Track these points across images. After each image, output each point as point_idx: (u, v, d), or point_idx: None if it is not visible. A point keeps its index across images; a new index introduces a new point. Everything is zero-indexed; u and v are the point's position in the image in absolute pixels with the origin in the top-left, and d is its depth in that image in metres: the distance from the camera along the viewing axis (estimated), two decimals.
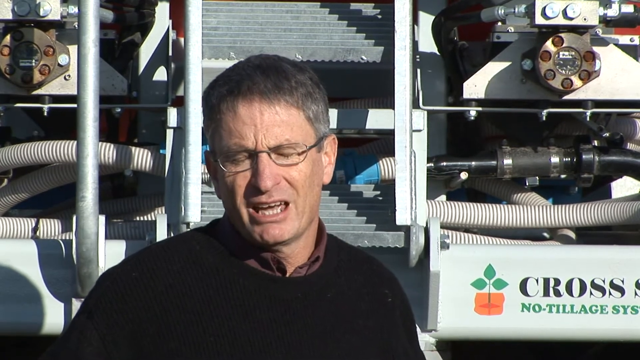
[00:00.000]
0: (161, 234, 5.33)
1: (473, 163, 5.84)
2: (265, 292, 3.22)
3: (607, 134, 5.75)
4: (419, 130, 5.44)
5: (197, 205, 5.26)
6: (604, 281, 5.42)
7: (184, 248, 3.32)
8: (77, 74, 5.03)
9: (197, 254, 3.29)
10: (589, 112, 5.49)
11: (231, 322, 3.23)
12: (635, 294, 5.41)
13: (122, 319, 3.23)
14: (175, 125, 5.31)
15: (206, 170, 6.05)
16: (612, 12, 5.36)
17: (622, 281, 5.41)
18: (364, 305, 3.31)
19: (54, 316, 5.45)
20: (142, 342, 3.21)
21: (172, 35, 5.77)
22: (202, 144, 5.38)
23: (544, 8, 5.29)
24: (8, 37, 5.34)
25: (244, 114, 3.06)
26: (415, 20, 5.51)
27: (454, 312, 5.31)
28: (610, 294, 5.41)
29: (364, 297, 3.31)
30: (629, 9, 5.43)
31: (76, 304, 5.33)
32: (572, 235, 5.97)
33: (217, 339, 3.24)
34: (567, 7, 5.29)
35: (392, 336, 3.33)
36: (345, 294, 3.29)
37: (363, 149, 5.94)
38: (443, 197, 5.94)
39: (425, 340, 5.21)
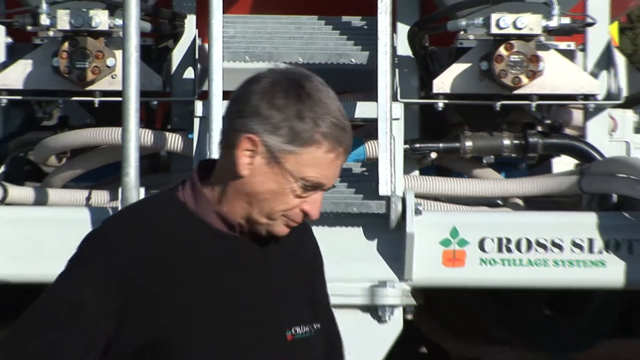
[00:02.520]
0: None
1: (441, 145, 5.86)
2: (233, 251, 2.99)
3: (549, 121, 5.82)
4: (397, 119, 5.44)
5: None
6: (546, 240, 5.43)
7: (162, 212, 3.03)
8: (122, 74, 5.07)
9: (174, 218, 3.01)
10: (534, 104, 5.55)
11: (213, 277, 2.98)
12: (572, 250, 5.43)
13: (111, 271, 2.93)
14: (200, 114, 5.33)
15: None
16: (553, 23, 5.37)
17: (561, 240, 5.41)
18: (299, 254, 3.10)
19: None
20: (130, 296, 2.92)
21: (198, 42, 5.79)
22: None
23: (498, 20, 5.32)
24: (66, 44, 5.34)
25: (335, 163, 2.85)
26: (394, 29, 5.50)
27: (425, 265, 5.29)
28: (551, 250, 5.43)
29: (298, 249, 3.07)
30: (566, 20, 5.45)
31: None
32: (521, 202, 6.00)
33: (201, 294, 2.95)
34: (516, 19, 5.32)
35: (317, 282, 3.15)
36: (284, 246, 3.02)
37: (354, 133, 5.92)
38: (416, 173, 5.88)
39: (402, 287, 5.27)
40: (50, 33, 5.47)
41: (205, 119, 5.30)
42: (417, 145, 5.77)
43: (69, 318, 2.82)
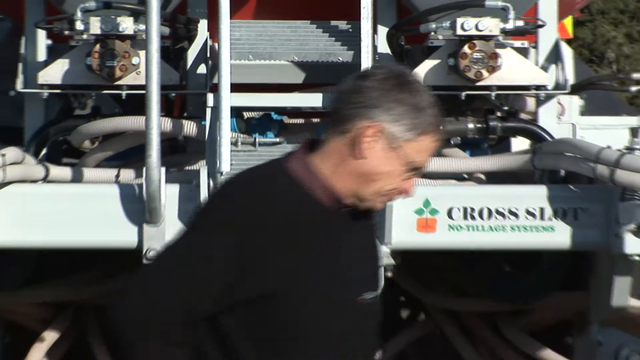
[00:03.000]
0: (203, 179, 5.53)
1: None
2: (335, 222, 3.17)
3: (506, 108, 6.12)
4: None
5: (228, 160, 5.47)
6: (504, 209, 5.65)
7: (276, 182, 3.27)
8: (145, 71, 5.33)
9: (287, 189, 3.22)
10: (493, 94, 5.80)
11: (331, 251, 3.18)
12: (526, 217, 5.67)
13: (238, 231, 3.16)
14: (211, 105, 5.55)
15: (240, 135, 5.92)
16: (509, 25, 5.64)
17: (517, 209, 5.64)
18: (373, 227, 3.35)
19: (131, 236, 5.60)
20: (252, 253, 3.13)
21: (209, 43, 6.02)
22: (231, 117, 5.64)
23: (462, 23, 5.58)
24: (98, 45, 5.59)
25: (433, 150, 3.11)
26: (375, 31, 5.73)
27: (402, 231, 5.50)
28: (508, 217, 5.65)
29: (371, 222, 3.29)
30: (520, 23, 5.73)
31: (146, 228, 5.58)
32: (483, 177, 6.22)
33: (308, 257, 3.16)
34: (478, 22, 5.57)
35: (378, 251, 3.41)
36: (368, 220, 3.29)
37: None
38: None
39: (384, 250, 5.46)
40: (84, 37, 5.67)
41: (216, 109, 5.49)
42: None
43: (201, 263, 3.07)
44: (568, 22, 8.18)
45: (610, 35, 18.49)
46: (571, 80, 6.54)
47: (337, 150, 3.02)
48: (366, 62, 5.59)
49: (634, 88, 7.58)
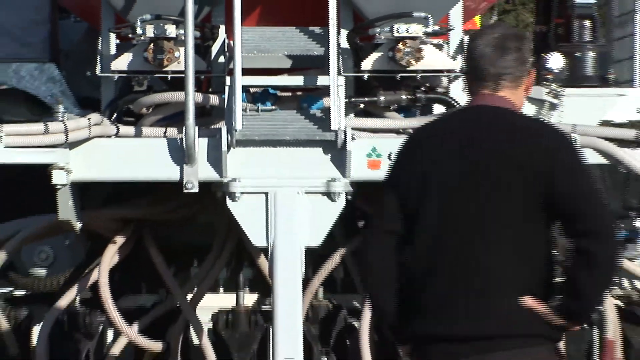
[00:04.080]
0: (223, 134, 6.01)
1: (366, 98, 6.54)
2: None
3: (428, 84, 6.57)
4: (340, 85, 6.11)
5: (240, 121, 5.95)
6: None
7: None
8: (184, 61, 5.91)
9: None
10: (419, 76, 6.36)
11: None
12: None
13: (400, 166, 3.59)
14: (229, 84, 6.05)
15: (248, 104, 6.11)
16: (429, 29, 6.18)
17: None
18: None
19: (175, 173, 6.05)
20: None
21: (226, 42, 6.41)
22: (242, 92, 6.07)
23: (397, 28, 6.15)
24: (152, 44, 6.11)
25: None
26: (338, 33, 6.14)
27: (357, 169, 6.09)
28: None
29: None
30: (437, 27, 6.26)
31: (185, 168, 6.05)
32: (411, 131, 5.94)
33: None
34: (408, 27, 6.11)
35: None
36: None
37: (316, 93, 6.44)
38: (352, 115, 6.51)
39: (344, 181, 6.08)
40: (142, 38, 6.17)
41: (231, 87, 6.03)
42: (352, 99, 6.49)
43: (387, 185, 3.60)
44: (478, 18, 8.49)
45: (529, 21, 19.47)
46: None
47: (517, 91, 3.55)
48: (333, 55, 6.03)
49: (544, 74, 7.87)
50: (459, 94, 6.70)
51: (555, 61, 7.02)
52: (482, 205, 3.46)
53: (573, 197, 3.45)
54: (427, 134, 3.69)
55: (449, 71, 6.45)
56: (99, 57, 6.45)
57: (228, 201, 6.05)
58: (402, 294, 3.58)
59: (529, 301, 3.43)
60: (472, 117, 3.59)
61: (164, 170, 6.09)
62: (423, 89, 6.50)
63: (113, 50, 6.41)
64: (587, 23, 7.72)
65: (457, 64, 6.49)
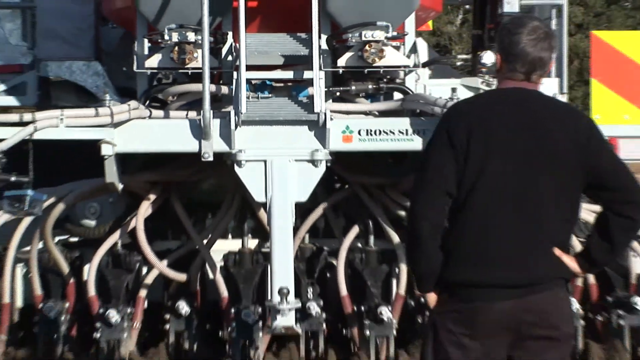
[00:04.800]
0: (232, 116, 6.00)
1: (341, 88, 6.57)
2: None
3: (388, 77, 6.61)
4: (321, 78, 6.14)
5: (244, 105, 5.99)
6: (388, 130, 6.28)
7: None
8: (201, 60, 5.95)
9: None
10: (382, 70, 6.40)
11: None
12: (400, 132, 6.20)
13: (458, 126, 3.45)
14: (235, 77, 6.06)
15: (250, 92, 6.00)
16: (389, 35, 6.24)
17: (393, 130, 6.24)
18: None
19: (194, 146, 6.12)
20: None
21: (233, 44, 6.38)
22: (246, 84, 6.01)
23: (365, 34, 6.20)
24: (176, 47, 6.03)
25: None
26: (319, 37, 6.21)
27: (334, 142, 6.20)
28: (391, 133, 6.24)
29: None
30: (395, 33, 6.31)
31: (203, 142, 6.00)
32: (377, 113, 6.65)
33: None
34: (373, 33, 6.20)
35: None
36: None
37: (303, 84, 6.38)
38: (330, 101, 6.55)
39: (325, 151, 6.15)
40: (169, 42, 6.17)
41: (237, 79, 6.03)
42: (331, 88, 6.48)
43: (444, 148, 3.43)
44: (430, 22, 8.87)
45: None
46: (423, 60, 7.11)
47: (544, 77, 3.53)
48: (316, 54, 6.06)
49: (458, 63, 8.74)
50: (412, 84, 6.77)
51: (488, 57, 6.96)
52: (543, 174, 3.36)
53: (617, 172, 3.41)
54: (481, 109, 3.51)
55: (404, 67, 6.47)
56: (135, 57, 6.46)
57: (235, 167, 6.13)
58: (447, 250, 3.42)
59: (559, 252, 3.40)
60: (523, 100, 3.44)
61: (186, 143, 6.11)
62: (385, 80, 6.54)
63: (146, 52, 6.39)
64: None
65: (411, 61, 6.56)
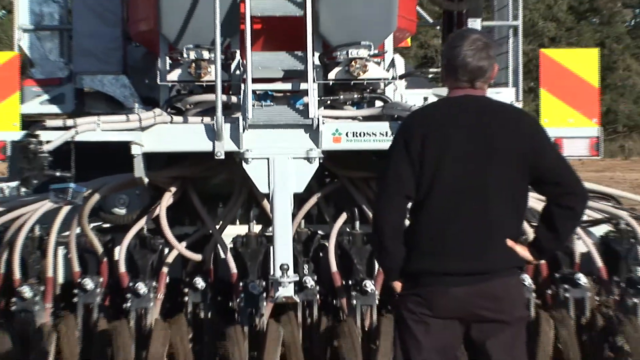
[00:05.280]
0: (240, 121, 6.08)
1: (331, 97, 6.58)
2: None
3: (371, 87, 6.64)
4: (315, 89, 6.19)
5: (250, 112, 6.09)
6: (369, 132, 6.29)
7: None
8: (215, 74, 6.07)
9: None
10: (365, 82, 6.48)
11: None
12: (381, 134, 6.21)
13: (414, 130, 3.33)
14: (243, 89, 6.16)
15: (255, 101, 6.04)
16: (372, 52, 6.34)
17: (374, 133, 6.25)
18: None
19: (208, 145, 6.20)
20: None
21: (241, 61, 6.44)
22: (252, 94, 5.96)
23: (351, 52, 6.31)
24: (193, 63, 6.28)
25: None
26: (313, 55, 6.25)
27: (326, 142, 6.27)
28: (373, 135, 6.19)
29: None
30: (376, 51, 6.39)
31: (216, 142, 6.04)
32: (361, 118, 6.60)
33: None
34: (357, 51, 6.30)
35: None
36: None
37: (299, 94, 6.40)
38: (322, 108, 6.48)
39: (318, 150, 6.19)
40: (187, 59, 6.33)
41: (244, 90, 6.14)
42: (323, 97, 6.47)
43: (401, 154, 3.34)
44: (409, 40, 8.75)
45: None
46: (400, 73, 7.25)
47: (487, 83, 3.41)
48: (310, 69, 6.14)
49: (430, 75, 9.04)
50: (391, 94, 6.86)
51: None
52: (490, 172, 3.30)
53: (559, 167, 3.33)
54: (433, 117, 3.43)
55: (384, 79, 6.57)
56: (158, 72, 6.60)
57: (243, 164, 6.27)
58: (410, 243, 3.36)
59: (511, 243, 3.35)
60: (471, 105, 3.37)
61: (202, 144, 6.23)
62: (368, 90, 6.66)
63: (167, 67, 6.53)
64: None
65: (390, 74, 6.59)
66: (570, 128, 6.76)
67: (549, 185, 3.33)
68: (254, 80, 6.19)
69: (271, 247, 6.23)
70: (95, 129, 6.04)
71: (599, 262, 6.41)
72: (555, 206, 3.32)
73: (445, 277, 3.25)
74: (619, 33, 47.26)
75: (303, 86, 6.32)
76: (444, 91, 6.33)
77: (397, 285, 3.45)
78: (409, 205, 3.34)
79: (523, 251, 3.35)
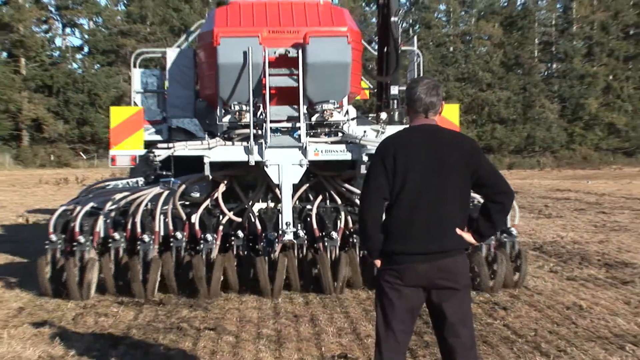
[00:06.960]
0: (263, 144, 6.90)
1: (312, 132, 7.34)
2: None
3: (335, 125, 7.44)
4: (304, 126, 6.90)
5: (269, 138, 6.79)
6: (336, 150, 7.13)
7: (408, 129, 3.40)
8: (249, 119, 6.95)
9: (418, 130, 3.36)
10: (332, 122, 7.26)
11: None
12: (336, 150, 7.06)
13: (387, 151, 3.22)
14: (264, 126, 6.98)
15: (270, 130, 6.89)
16: (335, 106, 6.89)
17: (336, 151, 7.18)
18: None
19: (243, 156, 7.14)
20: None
21: (263, 110, 7.16)
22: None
23: (324, 105, 6.94)
24: (237, 112, 7.13)
25: None
26: (303, 107, 6.90)
27: (311, 155, 7.12)
28: (340, 152, 7.02)
29: None
30: (338, 105, 6.97)
31: (249, 156, 6.87)
32: (330, 142, 7.55)
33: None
34: (327, 105, 6.96)
35: None
36: None
37: (295, 129, 6.96)
38: (308, 137, 7.21)
39: (305, 160, 6.95)
40: (233, 110, 7.13)
41: (265, 127, 7.00)
42: (307, 131, 7.35)
43: (379, 168, 3.27)
44: (367, 92, 9.75)
45: None
46: (352, 117, 8.38)
47: (438, 115, 3.32)
48: (302, 116, 6.99)
49: (369, 118, 9.81)
50: (347, 129, 8.03)
51: (383, 115, 8.05)
52: (442, 179, 3.30)
53: (491, 174, 3.30)
54: (400, 140, 3.34)
55: (342, 121, 7.90)
56: (217, 117, 7.87)
57: (265, 168, 7.51)
58: (386, 231, 3.31)
59: (459, 231, 3.34)
60: (427, 131, 3.33)
61: (242, 156, 7.50)
62: (334, 127, 7.97)
63: (221, 114, 7.87)
64: (396, 102, 8.86)
65: (346, 118, 7.85)
66: None
67: (485, 187, 3.37)
68: (271, 122, 7.61)
69: (280, 214, 7.58)
70: (184, 148, 7.44)
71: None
72: (490, 202, 3.35)
73: (412, 256, 3.27)
74: (536, 81, 50.29)
75: (297, 125, 7.67)
76: (377, 127, 8.09)
77: (378, 262, 3.46)
78: (386, 204, 3.38)
79: (468, 236, 3.38)
